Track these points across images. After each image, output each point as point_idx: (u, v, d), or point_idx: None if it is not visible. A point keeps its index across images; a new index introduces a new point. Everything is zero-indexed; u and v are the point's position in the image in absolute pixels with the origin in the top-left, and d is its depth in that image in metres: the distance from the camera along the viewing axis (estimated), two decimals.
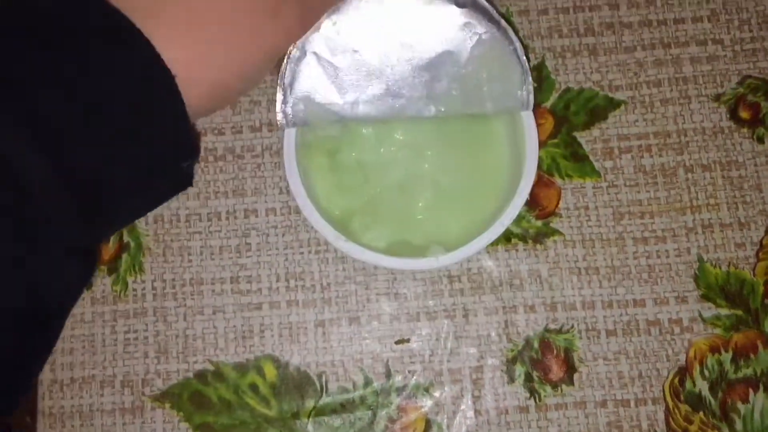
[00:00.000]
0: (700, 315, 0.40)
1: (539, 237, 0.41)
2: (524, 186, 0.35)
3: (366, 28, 0.34)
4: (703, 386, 0.39)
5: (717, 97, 0.43)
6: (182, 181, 0.26)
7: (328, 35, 0.34)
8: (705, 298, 0.40)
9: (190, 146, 0.25)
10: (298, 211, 0.41)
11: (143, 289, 0.41)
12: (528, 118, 0.36)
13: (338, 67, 0.34)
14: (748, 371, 0.39)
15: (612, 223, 0.41)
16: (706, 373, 0.39)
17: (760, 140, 0.42)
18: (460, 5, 0.34)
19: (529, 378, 0.39)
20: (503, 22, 0.34)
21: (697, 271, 0.41)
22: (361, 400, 0.39)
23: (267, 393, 0.39)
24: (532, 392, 0.39)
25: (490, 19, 0.34)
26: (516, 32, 0.35)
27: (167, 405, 0.39)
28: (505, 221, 0.35)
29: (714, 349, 0.40)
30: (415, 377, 0.40)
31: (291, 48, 0.33)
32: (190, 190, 0.42)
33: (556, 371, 0.40)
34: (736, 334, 0.40)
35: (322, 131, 0.36)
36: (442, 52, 0.35)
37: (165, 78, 0.23)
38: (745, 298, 0.40)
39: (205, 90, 0.25)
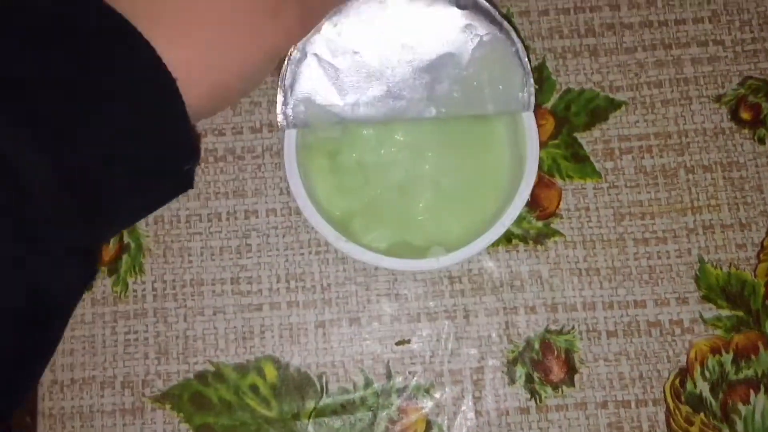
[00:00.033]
0: (701, 316, 0.40)
1: (540, 238, 0.41)
2: (525, 187, 0.35)
3: (367, 29, 0.34)
4: (703, 387, 0.39)
5: (718, 98, 0.43)
6: (183, 183, 0.26)
7: (329, 37, 0.34)
8: (706, 299, 0.40)
9: (190, 148, 0.25)
10: (298, 212, 0.41)
11: (143, 290, 0.41)
12: (529, 118, 0.36)
13: (339, 69, 0.34)
14: (749, 372, 0.39)
15: (613, 224, 0.41)
16: (707, 374, 0.39)
17: (761, 141, 0.42)
18: (461, 7, 0.34)
19: (529, 379, 0.39)
20: (506, 24, 0.34)
21: (698, 272, 0.41)
22: (361, 401, 0.39)
23: (267, 394, 0.39)
24: (533, 393, 0.39)
25: (492, 20, 0.34)
26: (518, 33, 0.35)
27: (167, 406, 0.39)
28: (505, 222, 0.35)
29: (715, 350, 0.40)
30: (415, 378, 0.40)
31: (292, 49, 0.33)
32: (191, 191, 0.42)
33: (557, 372, 0.40)
34: (737, 335, 0.40)
35: (323, 132, 0.36)
36: (443, 54, 0.35)
37: (165, 79, 0.23)
38: (746, 299, 0.40)
39: (206, 91, 0.25)
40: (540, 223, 0.41)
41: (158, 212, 0.41)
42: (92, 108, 0.22)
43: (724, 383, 0.39)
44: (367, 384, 0.40)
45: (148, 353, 0.40)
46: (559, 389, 0.39)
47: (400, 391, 0.39)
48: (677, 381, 0.39)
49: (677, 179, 0.42)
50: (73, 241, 0.23)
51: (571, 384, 0.39)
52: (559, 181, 0.42)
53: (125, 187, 0.24)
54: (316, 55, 0.34)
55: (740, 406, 0.39)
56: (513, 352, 0.40)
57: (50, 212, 0.22)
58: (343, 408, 0.39)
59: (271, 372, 0.40)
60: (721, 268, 0.41)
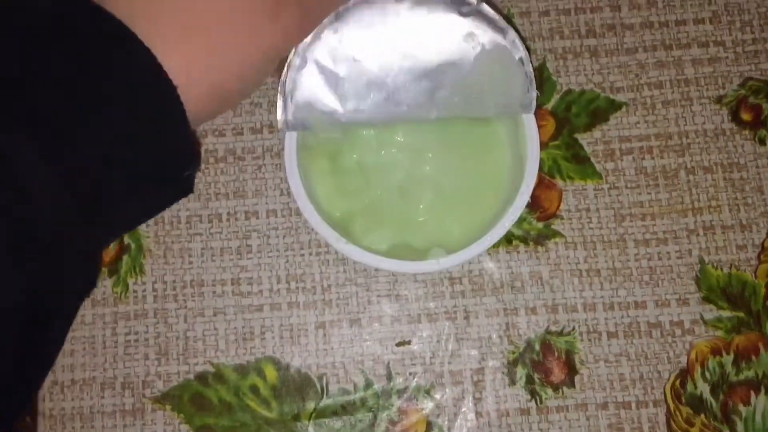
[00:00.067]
0: (702, 317, 0.40)
1: (540, 239, 0.41)
2: (525, 188, 0.35)
3: (368, 37, 0.34)
4: (704, 388, 0.39)
5: (718, 99, 0.43)
6: (183, 188, 0.26)
7: (329, 43, 0.34)
8: (706, 300, 0.40)
9: (190, 154, 0.25)
10: (299, 213, 0.41)
11: (144, 290, 0.41)
12: (529, 120, 0.36)
13: (339, 76, 0.34)
14: (750, 373, 0.39)
15: (613, 224, 0.41)
16: (708, 375, 0.39)
17: (762, 142, 0.42)
18: (463, 15, 0.34)
19: (530, 380, 0.39)
20: (510, 32, 0.34)
21: (698, 273, 0.40)
22: (361, 402, 0.39)
23: (268, 395, 0.39)
24: (533, 394, 0.39)
25: (496, 28, 0.34)
26: (521, 38, 0.35)
27: (168, 407, 0.39)
28: (506, 223, 0.35)
29: (715, 352, 0.40)
30: (416, 379, 0.40)
31: (292, 56, 0.33)
32: None
33: (557, 373, 0.40)
34: (738, 336, 0.40)
35: (323, 134, 0.36)
36: (445, 62, 0.35)
37: (165, 85, 0.23)
38: (747, 300, 0.40)
39: (205, 94, 0.25)
40: (540, 224, 0.41)
41: None
42: (92, 109, 0.22)
43: (725, 384, 0.39)
44: (368, 385, 0.40)
45: (149, 354, 0.40)
46: (560, 390, 0.39)
47: (400, 392, 0.39)
48: (678, 382, 0.39)
49: (678, 180, 0.42)
50: (74, 244, 0.23)
51: (572, 385, 0.39)
52: (559, 182, 0.42)
53: (125, 190, 0.24)
54: (316, 61, 0.34)
55: (741, 407, 0.39)
56: (513, 353, 0.40)
57: (50, 213, 0.22)
58: (344, 409, 0.39)
59: (271, 373, 0.40)
60: (721, 269, 0.41)
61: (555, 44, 0.43)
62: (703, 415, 0.39)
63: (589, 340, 0.40)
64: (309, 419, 0.39)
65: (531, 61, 0.35)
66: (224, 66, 0.25)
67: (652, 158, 0.42)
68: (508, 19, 0.41)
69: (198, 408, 0.39)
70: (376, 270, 0.41)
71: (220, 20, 0.25)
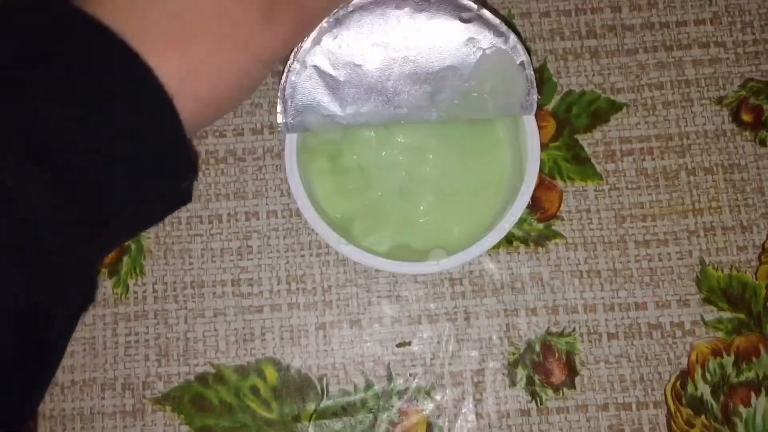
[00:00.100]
0: (702, 318, 0.40)
1: (541, 240, 0.41)
2: (526, 189, 0.35)
3: (368, 42, 0.34)
4: (704, 390, 0.39)
5: (719, 100, 0.42)
6: (181, 198, 0.26)
7: (329, 48, 0.34)
8: (707, 301, 0.40)
9: (188, 166, 0.25)
10: (299, 214, 0.41)
11: (144, 291, 0.41)
12: (530, 121, 0.36)
13: (339, 81, 0.34)
14: (750, 375, 0.39)
15: (614, 226, 0.41)
16: (708, 376, 0.39)
17: (763, 143, 0.42)
18: (464, 20, 0.34)
19: (530, 381, 0.39)
20: (512, 37, 0.34)
21: (699, 275, 0.40)
22: (362, 403, 0.39)
23: (268, 396, 0.39)
24: (534, 395, 0.39)
25: (497, 33, 0.34)
26: (522, 41, 0.35)
27: (168, 408, 0.39)
28: (506, 224, 0.35)
29: (716, 353, 0.40)
30: (416, 380, 0.40)
31: (291, 60, 0.33)
32: None
33: (558, 374, 0.40)
34: (738, 337, 0.40)
35: (324, 135, 0.36)
36: (445, 67, 0.35)
37: (161, 98, 0.23)
38: (747, 301, 0.40)
39: (200, 102, 0.25)
40: (541, 225, 0.41)
41: None
42: (91, 109, 0.22)
43: (725, 386, 0.39)
44: (368, 386, 0.40)
45: (149, 355, 0.40)
46: (560, 391, 0.39)
47: (400, 393, 0.39)
48: (678, 383, 0.39)
49: (678, 181, 0.42)
50: (74, 251, 0.23)
51: (572, 386, 0.39)
52: (560, 183, 0.42)
53: (124, 198, 0.24)
54: (316, 66, 0.34)
55: (741, 409, 0.39)
56: (514, 354, 0.40)
57: (49, 218, 0.21)
58: (344, 410, 0.39)
59: (271, 374, 0.40)
60: (722, 271, 0.40)
61: (555, 45, 0.43)
62: (703, 417, 0.39)
63: (590, 341, 0.40)
64: (309, 420, 0.39)
65: (532, 64, 0.35)
66: (219, 74, 0.25)
67: (653, 159, 0.42)
68: (509, 23, 0.42)
69: (198, 409, 0.39)
70: (377, 271, 0.41)
71: (214, 30, 0.24)
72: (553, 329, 0.40)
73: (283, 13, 0.26)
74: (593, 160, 0.42)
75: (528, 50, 0.35)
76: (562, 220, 0.41)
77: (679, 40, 0.43)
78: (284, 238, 0.41)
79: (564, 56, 0.43)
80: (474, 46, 0.34)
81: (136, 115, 0.23)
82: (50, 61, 0.22)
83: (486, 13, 0.34)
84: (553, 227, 0.41)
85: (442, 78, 0.35)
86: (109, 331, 0.40)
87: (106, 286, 0.41)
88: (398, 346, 0.40)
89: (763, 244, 0.41)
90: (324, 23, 0.34)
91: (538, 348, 0.40)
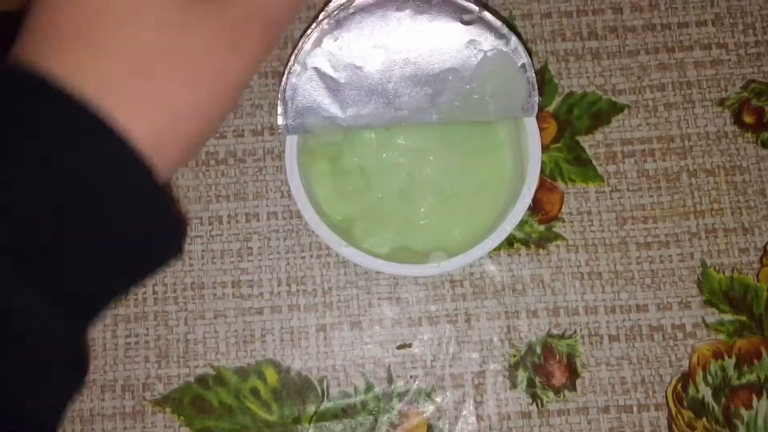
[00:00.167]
0: (704, 320, 0.40)
1: (542, 242, 0.41)
2: (527, 191, 0.35)
3: (369, 44, 0.34)
4: (706, 392, 0.39)
5: (721, 102, 0.42)
6: (173, 257, 0.24)
7: (330, 50, 0.34)
8: (708, 303, 0.40)
9: (176, 236, 0.23)
10: (299, 216, 0.41)
11: (144, 293, 0.41)
12: (531, 122, 0.36)
13: (340, 83, 0.34)
14: (752, 377, 0.39)
15: (615, 227, 0.41)
16: (710, 379, 0.39)
17: (764, 145, 0.42)
18: (465, 23, 0.34)
19: (531, 383, 0.39)
20: (513, 39, 0.34)
21: (700, 277, 0.40)
22: (362, 405, 0.39)
23: (268, 398, 0.39)
24: (535, 398, 0.39)
25: (498, 35, 0.34)
26: (523, 42, 0.35)
27: (168, 409, 0.39)
28: (507, 226, 0.35)
29: (717, 355, 0.40)
30: (416, 382, 0.40)
31: (292, 62, 0.33)
32: (192, 194, 0.42)
33: (559, 377, 0.39)
34: (740, 339, 0.40)
35: (324, 137, 0.36)
36: (446, 69, 0.35)
37: (138, 167, 0.21)
38: (749, 303, 0.40)
39: (178, 148, 0.23)
40: (542, 227, 0.41)
41: None
42: (67, 195, 0.20)
43: (727, 388, 0.39)
44: (369, 388, 0.39)
45: (149, 357, 0.40)
46: (561, 394, 0.39)
47: (401, 395, 0.39)
48: (679, 386, 0.39)
49: (680, 183, 0.41)
50: (48, 342, 0.20)
51: (573, 388, 0.39)
52: (561, 185, 0.41)
53: (111, 278, 0.22)
54: (316, 68, 0.34)
55: (743, 411, 0.39)
56: (515, 356, 0.40)
57: (27, 316, 0.20)
58: (344, 412, 0.39)
59: (272, 376, 0.40)
60: (723, 273, 0.40)
61: (557, 46, 0.43)
62: (704, 419, 0.39)
63: (591, 343, 0.40)
64: (309, 422, 0.39)
65: (533, 66, 0.35)
66: (193, 116, 0.23)
67: (654, 161, 0.42)
68: (511, 24, 0.41)
69: (198, 411, 0.39)
70: (377, 273, 0.40)
71: (184, 74, 0.22)
72: (554, 331, 0.40)
73: (251, 34, 0.24)
74: (594, 162, 0.42)
75: (529, 51, 0.35)
76: (563, 221, 0.41)
77: (681, 42, 0.43)
78: (285, 239, 0.41)
79: (565, 57, 0.43)
80: (475, 48, 0.34)
81: (115, 189, 0.21)
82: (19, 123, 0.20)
83: (487, 15, 0.34)
84: (554, 229, 0.41)
85: (443, 80, 0.35)
86: (108, 333, 0.40)
87: None
88: (399, 348, 0.40)
89: (765, 246, 0.41)
90: (325, 25, 0.34)
91: (539, 350, 0.40)
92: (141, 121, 0.21)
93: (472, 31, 0.34)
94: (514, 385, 0.39)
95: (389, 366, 0.40)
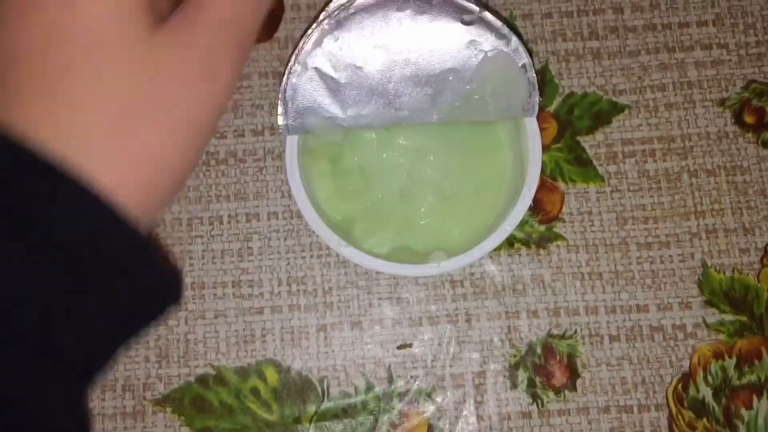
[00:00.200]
0: (704, 321, 0.40)
1: (542, 242, 0.41)
2: (527, 191, 0.35)
3: (369, 44, 0.34)
4: (706, 392, 0.39)
5: (722, 102, 0.42)
6: (170, 306, 0.23)
7: (330, 50, 0.34)
8: (709, 303, 0.40)
9: (171, 293, 0.22)
10: (300, 216, 0.41)
11: None
12: (531, 122, 0.36)
13: (340, 83, 0.34)
14: (752, 377, 0.39)
15: (615, 228, 0.41)
16: (710, 379, 0.39)
17: (765, 145, 0.42)
18: (466, 23, 0.34)
19: (531, 383, 0.39)
20: (514, 39, 0.34)
21: (701, 277, 0.40)
22: (362, 405, 0.39)
23: (268, 398, 0.39)
24: (535, 398, 0.39)
25: (499, 35, 0.34)
26: (523, 43, 0.35)
27: (168, 409, 0.39)
28: (508, 227, 0.35)
29: (718, 355, 0.39)
30: (417, 382, 0.40)
31: (292, 63, 0.33)
32: (192, 194, 0.42)
33: (559, 377, 0.39)
34: (740, 340, 0.40)
35: (325, 137, 0.36)
36: (447, 70, 0.35)
37: (125, 231, 0.20)
38: (750, 303, 0.40)
39: (166, 191, 0.22)
40: (542, 227, 0.41)
41: (160, 215, 0.41)
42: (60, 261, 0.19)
43: (727, 388, 0.39)
44: (369, 388, 0.39)
45: (149, 356, 0.40)
46: (562, 394, 0.39)
47: (401, 395, 0.39)
48: (680, 386, 0.39)
49: (680, 183, 0.41)
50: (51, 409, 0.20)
51: (574, 389, 0.39)
52: (561, 185, 0.41)
53: (110, 338, 0.21)
54: (317, 68, 0.34)
55: (743, 412, 0.39)
56: (515, 356, 0.40)
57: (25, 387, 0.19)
58: (345, 412, 0.39)
59: (272, 375, 0.40)
60: (724, 273, 0.40)
61: (557, 47, 0.43)
62: (705, 419, 0.39)
63: (591, 343, 0.40)
64: (310, 422, 0.39)
65: (534, 66, 0.35)
66: (176, 157, 0.22)
67: (655, 161, 0.42)
68: (511, 24, 0.41)
69: (199, 410, 0.39)
70: (377, 273, 0.40)
71: (160, 120, 0.21)
72: (555, 331, 0.40)
73: (224, 58, 0.22)
74: (595, 162, 0.42)
75: (530, 52, 0.35)
76: (564, 222, 0.41)
77: (682, 42, 0.43)
78: (285, 239, 0.41)
79: (566, 58, 0.43)
80: (476, 49, 0.34)
81: (101, 259, 0.20)
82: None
83: (488, 15, 0.34)
84: (554, 229, 0.41)
85: (443, 80, 0.35)
86: None
87: None
88: (399, 348, 0.40)
89: (766, 247, 0.41)
90: (325, 25, 0.34)
91: (539, 350, 0.40)
92: (126, 182, 0.20)
93: (473, 32, 0.34)
94: (514, 385, 0.39)
95: (390, 366, 0.40)
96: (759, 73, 0.43)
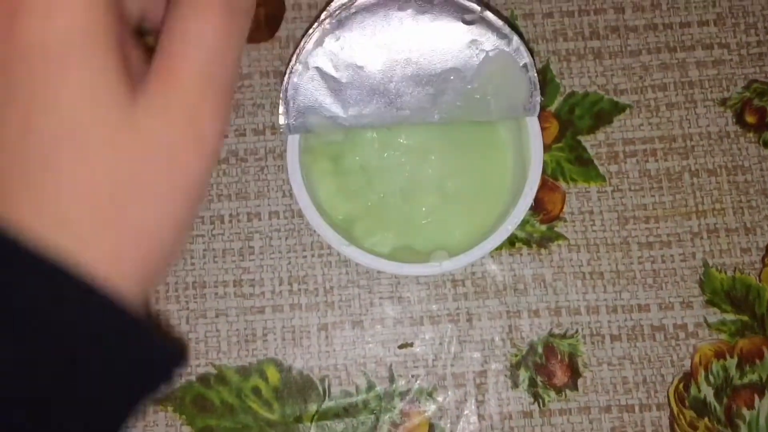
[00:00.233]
0: (706, 320, 0.40)
1: (543, 241, 0.41)
2: (529, 190, 0.35)
3: (371, 43, 0.34)
4: (708, 392, 0.39)
5: (723, 102, 0.42)
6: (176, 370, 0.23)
7: (331, 50, 0.34)
8: (710, 303, 0.40)
9: (172, 364, 0.22)
10: (301, 215, 0.41)
11: None
12: (533, 122, 0.36)
13: (341, 82, 0.34)
14: (754, 377, 0.39)
15: (617, 227, 0.41)
16: (711, 378, 0.39)
17: (766, 144, 0.42)
18: (467, 22, 0.34)
19: (533, 383, 0.39)
20: (515, 38, 0.34)
21: (702, 276, 0.40)
22: (364, 405, 0.39)
23: (270, 397, 0.39)
24: (536, 397, 0.39)
25: (500, 35, 0.34)
26: (524, 42, 0.35)
27: (169, 408, 0.39)
28: (509, 226, 0.35)
29: (719, 355, 0.39)
30: (418, 381, 0.40)
31: (293, 62, 0.34)
32: None
33: (560, 376, 0.39)
34: (742, 339, 0.40)
35: (326, 136, 0.36)
36: (448, 69, 0.35)
37: (125, 320, 0.20)
38: (751, 303, 0.40)
39: (160, 265, 0.21)
40: (544, 227, 0.41)
41: None
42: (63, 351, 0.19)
43: (729, 388, 0.39)
44: (370, 387, 0.39)
45: None
46: (563, 393, 0.39)
47: (402, 395, 0.39)
48: (681, 385, 0.39)
49: (682, 183, 0.41)
50: None
51: (575, 388, 0.39)
52: (563, 185, 0.41)
53: (113, 413, 0.21)
54: (318, 68, 0.34)
55: (744, 411, 0.39)
56: (516, 355, 0.40)
57: None
58: (346, 411, 0.39)
59: (273, 375, 0.40)
60: (725, 273, 0.40)
61: (558, 46, 0.43)
62: (706, 419, 0.39)
63: (593, 343, 0.40)
64: (311, 421, 0.39)
65: (535, 65, 0.35)
66: (167, 229, 0.21)
67: (656, 161, 0.42)
68: (512, 24, 0.41)
69: (200, 409, 0.39)
70: (379, 272, 0.40)
71: (149, 198, 0.20)
72: (556, 331, 0.40)
73: (211, 120, 0.21)
74: (596, 162, 0.42)
75: (531, 51, 0.35)
76: (565, 221, 0.41)
77: (683, 42, 0.43)
78: (286, 239, 0.41)
79: (567, 57, 0.43)
80: (477, 48, 0.34)
81: (111, 347, 0.20)
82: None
83: (489, 15, 0.34)
84: (555, 229, 0.41)
85: (444, 80, 0.35)
86: None
87: None
88: (400, 347, 0.40)
89: (767, 246, 0.41)
90: (326, 24, 0.34)
91: (540, 350, 0.40)
92: (121, 263, 0.20)
93: (474, 31, 0.34)
94: (515, 385, 0.39)
95: (391, 365, 0.40)
96: (760, 73, 0.43)
